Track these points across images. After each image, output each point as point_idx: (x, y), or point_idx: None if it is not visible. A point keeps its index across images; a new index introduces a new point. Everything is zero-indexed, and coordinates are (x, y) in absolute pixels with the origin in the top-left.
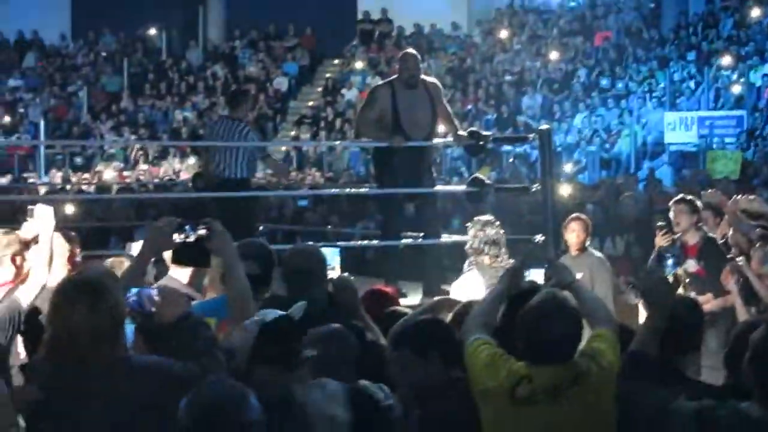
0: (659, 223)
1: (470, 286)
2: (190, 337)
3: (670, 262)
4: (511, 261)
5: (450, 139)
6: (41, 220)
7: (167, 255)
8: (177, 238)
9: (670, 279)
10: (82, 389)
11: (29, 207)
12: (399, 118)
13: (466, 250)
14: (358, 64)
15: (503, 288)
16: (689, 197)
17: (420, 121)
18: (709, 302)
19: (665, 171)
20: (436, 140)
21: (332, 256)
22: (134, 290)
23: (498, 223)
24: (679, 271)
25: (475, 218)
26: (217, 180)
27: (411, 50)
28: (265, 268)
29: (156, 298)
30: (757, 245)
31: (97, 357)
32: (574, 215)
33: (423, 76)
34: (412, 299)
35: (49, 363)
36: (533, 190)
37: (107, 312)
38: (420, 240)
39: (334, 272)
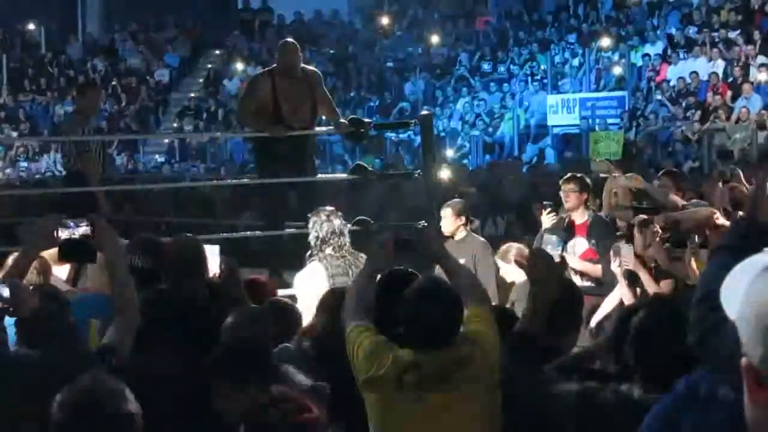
0: (544, 202)
1: (314, 277)
2: (47, 328)
3: (554, 239)
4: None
5: (331, 127)
6: None
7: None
8: (62, 234)
9: (556, 259)
10: None
11: None
12: (279, 107)
13: (309, 241)
14: (239, 54)
15: (374, 265)
16: (579, 175)
17: (300, 110)
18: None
19: (548, 153)
20: (317, 129)
21: (211, 252)
22: None
23: (341, 213)
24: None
25: (319, 209)
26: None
27: (290, 39)
28: (155, 262)
29: (5, 293)
30: (639, 230)
31: None
32: (446, 203)
33: (303, 65)
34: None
35: None
36: (416, 176)
37: None
38: (303, 230)
39: (215, 263)
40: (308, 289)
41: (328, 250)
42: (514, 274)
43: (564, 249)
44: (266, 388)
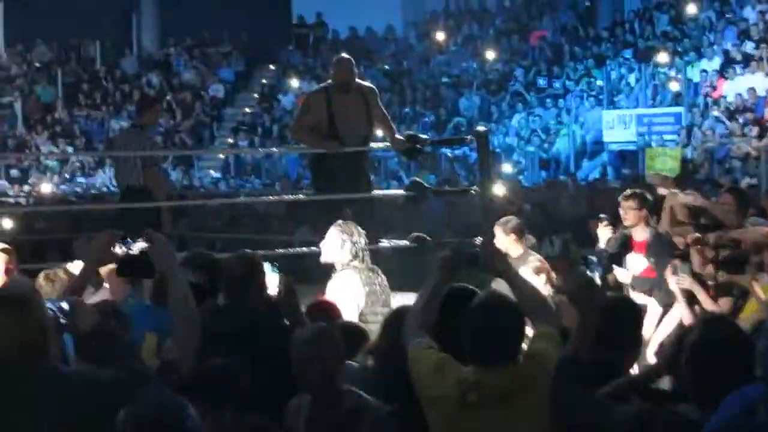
0: (600, 215)
1: (352, 286)
2: (106, 344)
3: (596, 264)
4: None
5: (387, 143)
6: None
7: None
8: (119, 250)
9: (598, 281)
10: (11, 400)
11: None
12: (334, 123)
13: (345, 251)
14: (294, 70)
15: (438, 281)
16: (638, 192)
17: (355, 126)
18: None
19: (605, 170)
20: (373, 145)
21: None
22: (48, 303)
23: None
24: (612, 276)
25: (341, 221)
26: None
27: (345, 55)
28: (212, 278)
29: (66, 309)
30: (695, 247)
31: (24, 368)
32: (499, 221)
33: (358, 81)
34: None
35: None
36: (472, 192)
37: (32, 324)
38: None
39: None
40: (347, 296)
41: (356, 263)
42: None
43: (622, 266)
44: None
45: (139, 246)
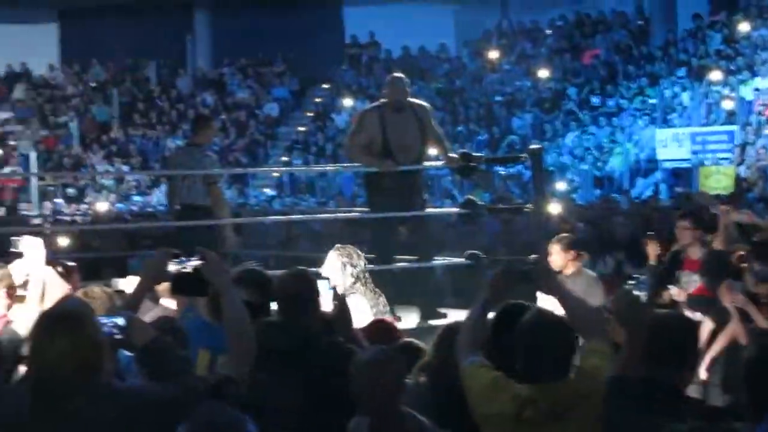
0: (648, 233)
1: (356, 311)
2: (161, 360)
3: (644, 282)
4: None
5: (441, 161)
6: (30, 251)
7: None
8: (173, 268)
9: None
10: (66, 417)
11: (12, 238)
12: (388, 142)
13: (343, 277)
14: (347, 89)
15: (487, 300)
16: (692, 211)
17: (409, 145)
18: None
19: (659, 188)
20: (426, 163)
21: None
22: (103, 319)
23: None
24: (667, 294)
25: (340, 246)
26: (180, 207)
27: (398, 74)
28: (264, 296)
29: (122, 324)
30: (748, 264)
31: (80, 385)
32: (554, 238)
33: (411, 99)
34: (406, 323)
35: (30, 393)
36: (526, 210)
37: (87, 341)
38: (413, 264)
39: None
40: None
41: (358, 285)
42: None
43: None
44: None
45: (193, 264)
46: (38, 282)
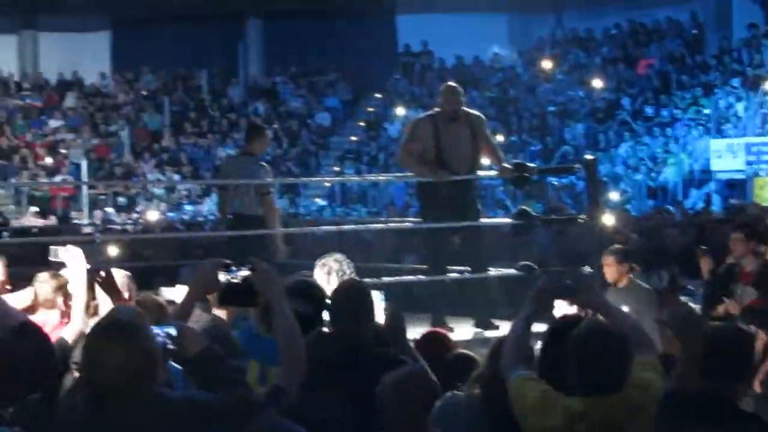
0: (701, 246)
1: None
2: (213, 369)
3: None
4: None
5: (494, 171)
6: (71, 261)
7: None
8: (223, 278)
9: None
10: (119, 427)
11: (51, 247)
12: (441, 151)
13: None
14: (400, 98)
15: (531, 312)
16: (746, 223)
17: (462, 154)
18: None
19: (713, 199)
20: (480, 173)
21: (377, 296)
22: (155, 328)
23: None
24: (722, 307)
25: (331, 255)
26: (232, 217)
27: (452, 83)
28: (317, 308)
29: (173, 334)
30: None
31: (135, 396)
32: (608, 249)
33: (465, 109)
34: (459, 334)
35: (84, 403)
36: (580, 221)
37: (141, 351)
38: (466, 274)
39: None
40: None
41: None
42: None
43: (732, 297)
44: None
45: (243, 274)
46: (81, 291)
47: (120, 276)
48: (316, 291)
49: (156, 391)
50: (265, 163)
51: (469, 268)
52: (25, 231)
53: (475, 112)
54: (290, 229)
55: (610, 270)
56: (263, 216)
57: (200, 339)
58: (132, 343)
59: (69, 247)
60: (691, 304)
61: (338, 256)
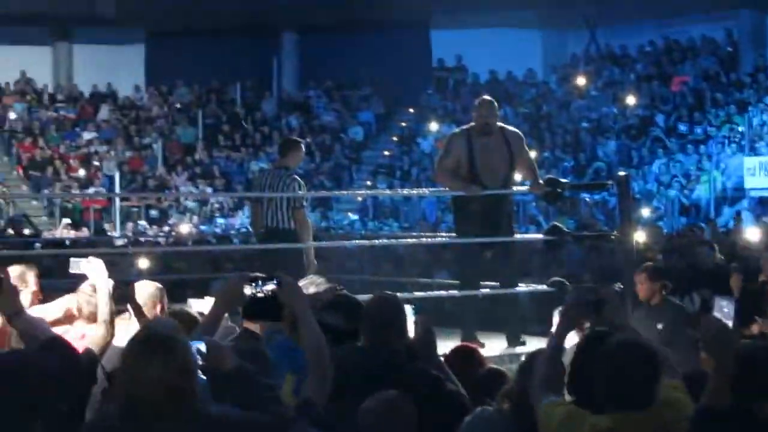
0: (733, 264)
1: None
2: (246, 386)
3: (725, 302)
4: None
5: (526, 186)
6: (92, 273)
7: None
8: (248, 292)
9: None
10: None
11: (72, 259)
12: (474, 165)
13: None
14: (433, 113)
15: (562, 330)
16: None
17: (496, 169)
18: None
19: (745, 217)
20: (514, 188)
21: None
22: None
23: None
24: (754, 326)
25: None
26: (264, 230)
27: (487, 97)
28: (352, 321)
29: (203, 350)
30: None
31: (172, 410)
32: (640, 266)
33: (502, 125)
34: (489, 350)
35: (118, 414)
36: (612, 237)
37: (180, 366)
38: (498, 290)
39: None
40: None
41: None
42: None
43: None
44: None
45: (268, 288)
46: (104, 302)
47: (152, 288)
48: (353, 305)
49: (193, 406)
50: (298, 177)
51: (500, 284)
52: (57, 242)
53: (513, 129)
54: (321, 243)
55: (643, 287)
56: (295, 230)
57: (231, 355)
58: (170, 357)
59: (91, 258)
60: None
61: (317, 278)
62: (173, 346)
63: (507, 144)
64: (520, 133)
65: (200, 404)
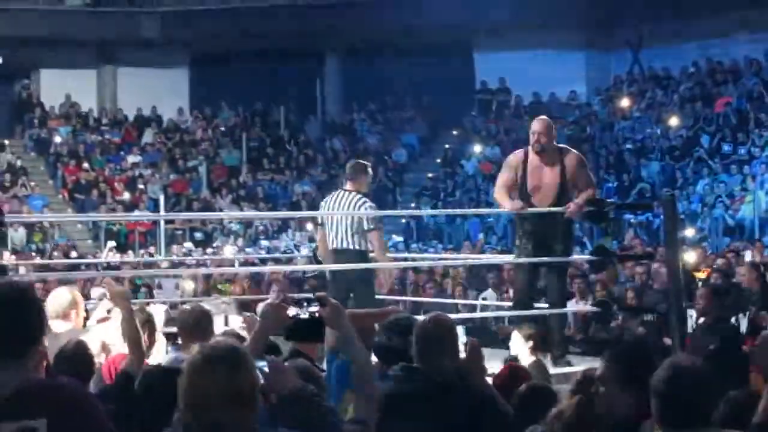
0: None
1: None
2: (306, 409)
3: None
4: None
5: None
6: (111, 295)
7: None
8: (291, 313)
9: None
10: None
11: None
12: (525, 183)
13: None
14: (477, 135)
15: None
16: None
17: (544, 187)
18: None
19: None
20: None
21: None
22: None
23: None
24: None
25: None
26: (333, 252)
27: (542, 117)
28: (404, 341)
29: (266, 370)
30: None
31: (235, 423)
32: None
33: (560, 145)
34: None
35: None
36: (658, 258)
37: (245, 379)
38: (546, 310)
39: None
40: None
41: None
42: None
43: None
44: None
45: (312, 310)
46: (128, 324)
47: (68, 295)
48: (406, 325)
49: (252, 426)
50: (368, 200)
51: (548, 304)
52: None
53: (574, 151)
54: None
55: (703, 305)
56: (363, 251)
57: (293, 377)
58: (237, 370)
59: (107, 280)
60: None
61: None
62: (240, 357)
63: (561, 164)
64: (580, 155)
65: (259, 425)
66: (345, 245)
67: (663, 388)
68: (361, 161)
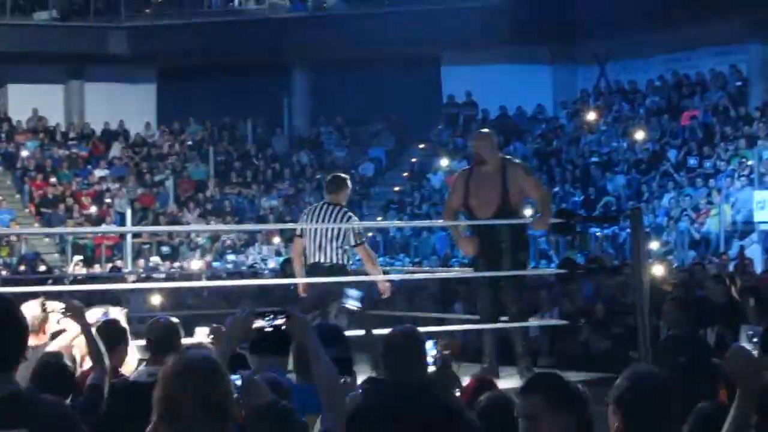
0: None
1: None
2: (278, 424)
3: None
4: None
5: (529, 218)
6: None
7: None
8: (257, 326)
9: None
10: None
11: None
12: (468, 197)
13: None
14: (444, 149)
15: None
16: None
17: (486, 200)
18: None
19: (755, 250)
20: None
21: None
22: None
23: None
24: None
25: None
26: (314, 265)
27: (482, 130)
28: (345, 352)
29: (238, 383)
30: None
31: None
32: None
33: (503, 156)
34: (505, 383)
35: None
36: (624, 271)
37: (221, 388)
38: (509, 323)
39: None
40: None
41: None
42: None
43: None
44: None
45: (277, 323)
46: (87, 338)
47: (38, 310)
48: (340, 335)
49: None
50: (350, 213)
51: (509, 318)
52: (73, 279)
53: (516, 160)
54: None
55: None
56: (344, 265)
57: (267, 391)
58: (213, 379)
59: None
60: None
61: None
62: (215, 368)
63: (502, 175)
64: (522, 163)
65: None
66: (327, 259)
67: (624, 396)
68: (340, 175)
